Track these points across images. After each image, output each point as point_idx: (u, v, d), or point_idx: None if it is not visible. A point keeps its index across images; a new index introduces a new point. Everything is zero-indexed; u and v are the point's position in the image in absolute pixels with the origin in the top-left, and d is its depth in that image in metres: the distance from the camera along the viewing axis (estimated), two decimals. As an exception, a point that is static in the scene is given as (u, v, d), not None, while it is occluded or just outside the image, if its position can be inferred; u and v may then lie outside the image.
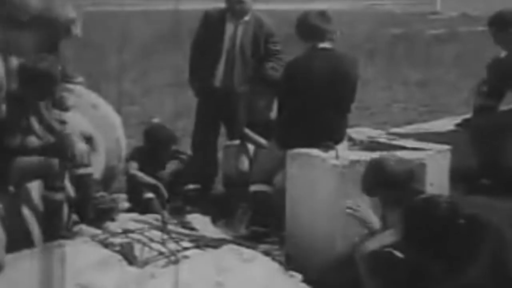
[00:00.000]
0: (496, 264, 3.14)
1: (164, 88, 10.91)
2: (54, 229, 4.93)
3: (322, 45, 5.32)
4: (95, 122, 5.78)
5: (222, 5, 6.39)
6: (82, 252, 4.47)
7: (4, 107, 4.79)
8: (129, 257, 4.55)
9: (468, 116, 6.15)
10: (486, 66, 5.96)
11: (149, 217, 5.46)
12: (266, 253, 4.93)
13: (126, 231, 4.94)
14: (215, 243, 4.96)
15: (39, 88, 4.84)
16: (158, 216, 5.50)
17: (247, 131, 6.19)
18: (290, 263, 4.86)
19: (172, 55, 12.54)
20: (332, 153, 4.91)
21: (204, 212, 5.86)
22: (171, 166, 6.22)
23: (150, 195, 5.95)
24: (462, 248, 3.14)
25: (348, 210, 4.18)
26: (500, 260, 3.15)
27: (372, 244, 3.72)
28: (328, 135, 5.11)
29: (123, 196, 6.05)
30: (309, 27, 5.35)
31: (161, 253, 4.65)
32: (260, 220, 5.49)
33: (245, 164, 6.09)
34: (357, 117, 7.67)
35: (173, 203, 6.00)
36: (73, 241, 4.80)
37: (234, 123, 6.41)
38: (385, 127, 7.62)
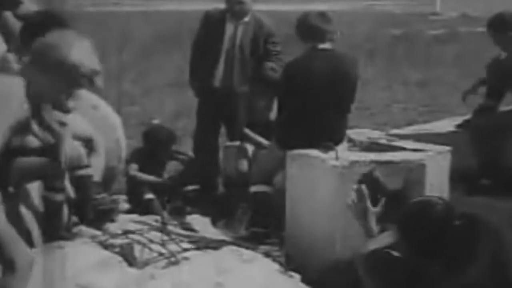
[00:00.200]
0: (495, 265, 3.14)
1: (164, 88, 10.91)
2: (54, 230, 4.92)
3: (322, 45, 5.32)
4: (95, 123, 5.78)
5: (223, 5, 6.40)
6: (82, 253, 4.46)
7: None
8: (129, 258, 4.55)
9: (468, 116, 6.16)
10: (485, 66, 5.97)
11: (149, 218, 5.47)
12: (266, 254, 4.93)
13: (126, 232, 4.94)
14: (215, 244, 4.96)
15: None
16: (158, 217, 5.51)
17: (247, 131, 6.20)
18: (290, 263, 4.86)
19: (172, 55, 12.57)
20: (332, 153, 4.91)
21: (204, 213, 5.86)
22: (171, 167, 6.22)
23: (150, 195, 5.95)
24: (459, 249, 3.15)
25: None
26: (500, 260, 3.15)
27: (371, 245, 3.71)
28: (328, 135, 5.11)
29: (123, 197, 6.06)
30: (309, 28, 5.35)
31: (161, 254, 4.65)
32: (260, 221, 5.50)
33: (244, 164, 6.10)
34: (357, 118, 7.67)
35: (173, 204, 6.00)
36: (73, 242, 4.80)
37: (234, 123, 6.41)
38: (385, 127, 7.63)
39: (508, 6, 6.10)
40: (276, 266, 4.66)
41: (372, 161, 4.78)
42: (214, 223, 5.78)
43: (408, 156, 4.93)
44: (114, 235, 4.90)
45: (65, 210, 5.12)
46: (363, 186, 3.65)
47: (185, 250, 4.77)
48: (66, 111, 4.97)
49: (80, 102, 5.82)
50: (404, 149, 5.14)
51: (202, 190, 6.34)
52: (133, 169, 6.02)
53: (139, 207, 5.86)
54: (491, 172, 5.70)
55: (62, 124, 4.97)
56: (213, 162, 6.47)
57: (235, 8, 6.25)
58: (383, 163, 4.79)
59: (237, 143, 6.25)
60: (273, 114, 5.95)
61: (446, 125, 6.39)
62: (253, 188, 5.56)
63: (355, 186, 3.69)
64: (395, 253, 3.46)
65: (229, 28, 6.31)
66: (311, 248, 4.89)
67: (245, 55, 6.30)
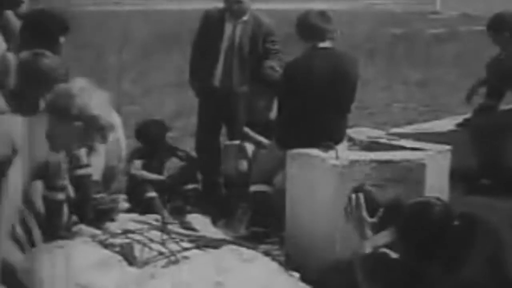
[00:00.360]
0: (495, 265, 3.14)
1: (164, 88, 10.90)
2: (54, 229, 4.92)
3: (322, 44, 5.32)
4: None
5: (222, 5, 6.40)
6: (82, 253, 4.47)
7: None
8: (129, 257, 4.55)
9: (468, 116, 6.16)
10: (485, 65, 5.97)
11: (149, 218, 5.47)
12: (266, 254, 4.93)
13: (126, 232, 4.94)
14: (215, 244, 4.96)
15: (39, 85, 4.83)
16: (158, 217, 5.51)
17: (247, 130, 6.19)
18: (289, 263, 4.86)
19: (172, 55, 12.56)
20: (332, 153, 4.90)
21: (204, 212, 5.86)
22: (170, 166, 6.22)
23: (152, 194, 5.95)
24: (458, 249, 3.15)
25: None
26: (499, 260, 3.15)
27: (368, 244, 3.71)
28: (328, 135, 5.10)
29: (123, 196, 6.06)
30: (309, 27, 5.35)
31: (161, 254, 4.66)
32: (260, 220, 5.50)
33: (244, 164, 6.10)
34: (357, 117, 7.67)
35: (173, 203, 6.00)
36: (72, 241, 4.80)
37: (234, 123, 6.41)
38: (385, 127, 7.62)
39: (508, 6, 6.10)
40: (276, 265, 4.66)
41: (372, 160, 4.79)
42: (214, 222, 5.78)
43: (408, 155, 4.93)
44: (114, 235, 4.91)
45: (65, 209, 5.13)
46: (360, 195, 3.64)
47: (185, 249, 4.78)
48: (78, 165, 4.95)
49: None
50: (404, 148, 5.14)
51: (203, 189, 6.34)
52: (136, 167, 6.03)
53: (139, 206, 5.86)
54: (491, 172, 5.70)
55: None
56: (214, 161, 6.47)
57: (233, 7, 6.24)
58: (383, 162, 4.79)
59: (237, 142, 6.25)
60: (273, 114, 5.95)
61: (446, 124, 6.39)
62: (253, 188, 5.56)
63: (352, 195, 3.68)
64: (393, 255, 3.46)
65: (228, 27, 6.30)
66: (311, 248, 4.89)
67: (244, 54, 6.30)
